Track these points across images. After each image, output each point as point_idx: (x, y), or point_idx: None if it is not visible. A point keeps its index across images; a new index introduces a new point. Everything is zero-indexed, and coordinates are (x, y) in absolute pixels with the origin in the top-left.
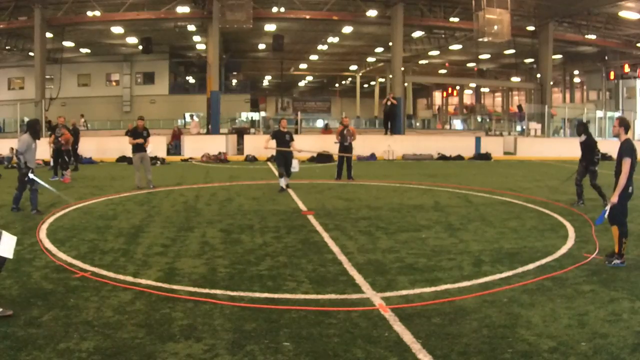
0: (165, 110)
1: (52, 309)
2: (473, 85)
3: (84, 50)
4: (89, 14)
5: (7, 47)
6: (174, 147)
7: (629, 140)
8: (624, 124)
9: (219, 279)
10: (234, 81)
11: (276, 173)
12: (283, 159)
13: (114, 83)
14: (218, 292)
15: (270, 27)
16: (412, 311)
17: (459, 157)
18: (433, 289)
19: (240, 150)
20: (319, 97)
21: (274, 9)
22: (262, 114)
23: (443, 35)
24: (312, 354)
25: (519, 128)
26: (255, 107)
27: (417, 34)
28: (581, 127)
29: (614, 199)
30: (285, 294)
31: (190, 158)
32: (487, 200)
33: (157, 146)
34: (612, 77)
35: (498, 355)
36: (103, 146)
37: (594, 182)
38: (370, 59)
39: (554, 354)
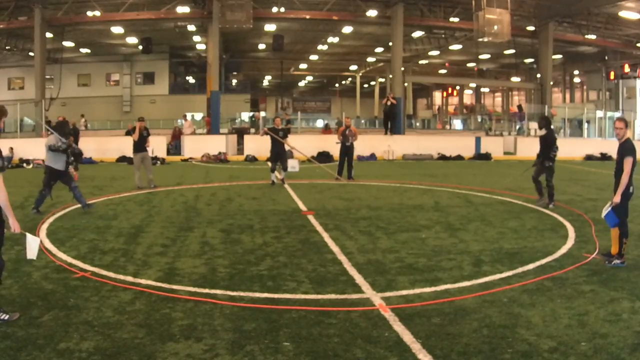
0: (165, 110)
1: (52, 309)
2: (473, 85)
3: (84, 50)
4: (89, 14)
5: (7, 47)
6: (174, 147)
7: (629, 139)
8: (627, 125)
9: (219, 279)
10: (234, 81)
11: (278, 174)
12: (275, 154)
13: (113, 83)
14: (218, 292)
15: (270, 27)
16: (412, 311)
17: (459, 157)
18: (433, 289)
19: (240, 150)
20: (319, 97)
21: (274, 9)
22: (262, 114)
23: (443, 35)
24: (312, 354)
25: (517, 128)
26: (255, 107)
27: (417, 34)
28: (543, 121)
29: (617, 198)
30: (285, 294)
31: (190, 158)
32: (487, 200)
33: (156, 146)
34: (612, 77)
35: (498, 355)
36: (103, 146)
37: (549, 179)
38: (370, 59)
39: (554, 354)
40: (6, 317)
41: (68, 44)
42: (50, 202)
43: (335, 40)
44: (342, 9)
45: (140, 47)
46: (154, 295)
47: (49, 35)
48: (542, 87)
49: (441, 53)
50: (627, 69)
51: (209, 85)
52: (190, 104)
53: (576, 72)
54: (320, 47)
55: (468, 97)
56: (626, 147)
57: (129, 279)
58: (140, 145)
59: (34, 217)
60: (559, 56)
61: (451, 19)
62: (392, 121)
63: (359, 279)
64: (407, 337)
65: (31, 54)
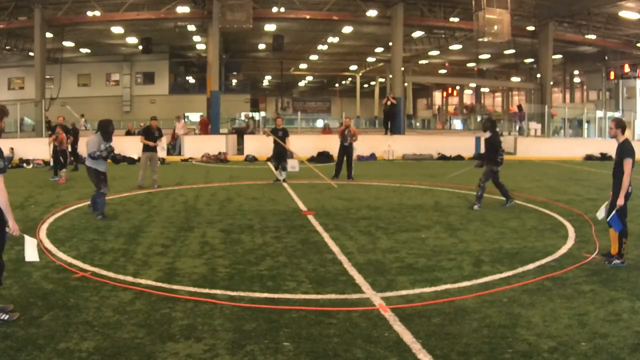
0: (165, 110)
1: (52, 309)
2: (473, 85)
3: (84, 50)
4: (89, 14)
5: (7, 47)
6: (174, 147)
7: (627, 140)
8: (621, 125)
9: (219, 279)
10: (234, 81)
11: (277, 173)
12: (276, 154)
13: (113, 83)
14: (218, 292)
15: (270, 27)
16: (412, 311)
17: (459, 157)
18: (433, 289)
19: (240, 150)
20: (319, 97)
21: (274, 9)
22: (262, 113)
23: (443, 35)
24: (312, 354)
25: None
26: (255, 107)
27: (417, 34)
28: (488, 123)
29: (620, 201)
30: (285, 294)
31: (190, 158)
32: (487, 200)
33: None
34: (612, 77)
35: (498, 355)
36: None
37: (483, 179)
38: (370, 59)
39: (554, 354)
40: (6, 317)
41: (68, 44)
42: (50, 202)
43: (335, 40)
44: (342, 9)
45: (140, 47)
46: (154, 295)
47: (49, 35)
48: (542, 87)
49: (441, 53)
50: (627, 69)
51: (209, 85)
52: (190, 104)
53: (576, 72)
54: (320, 47)
55: (468, 97)
56: (625, 149)
57: (129, 279)
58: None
59: (34, 217)
60: (559, 56)
61: (451, 19)
62: (392, 121)
63: (359, 279)
64: (407, 337)
65: (31, 54)
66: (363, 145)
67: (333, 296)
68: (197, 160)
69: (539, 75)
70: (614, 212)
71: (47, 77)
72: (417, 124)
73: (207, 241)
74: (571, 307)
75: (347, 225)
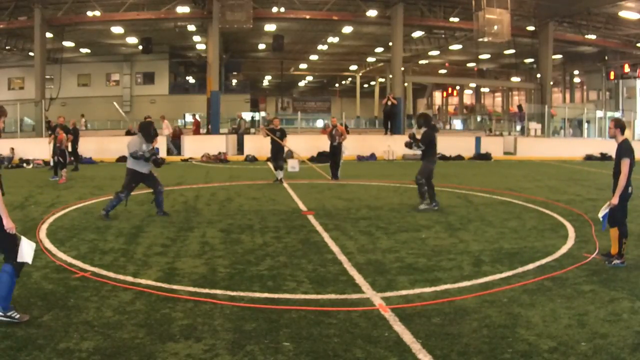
0: (165, 110)
1: (52, 309)
2: (473, 85)
3: (84, 50)
4: (89, 14)
5: (7, 47)
6: (174, 146)
7: (626, 140)
8: (620, 125)
9: (219, 279)
10: (234, 81)
11: (276, 173)
12: (274, 153)
13: (113, 83)
14: (218, 292)
15: (270, 27)
16: (412, 311)
17: (459, 157)
18: (433, 289)
19: (240, 150)
20: (319, 97)
21: (274, 9)
22: (262, 113)
23: (443, 35)
24: (312, 354)
25: (518, 128)
26: (255, 107)
27: (417, 34)
28: (421, 119)
29: (614, 200)
30: (285, 294)
31: (190, 158)
32: (487, 200)
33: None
34: (612, 77)
35: (498, 355)
36: (103, 146)
37: (426, 180)
38: (370, 59)
39: (554, 354)
40: (17, 316)
41: (68, 44)
42: (50, 202)
43: (335, 40)
44: (342, 9)
45: (140, 47)
46: (154, 295)
47: (49, 35)
48: (542, 87)
49: (441, 53)
50: (627, 69)
51: (209, 85)
52: (190, 104)
53: (576, 72)
54: (320, 47)
55: (468, 97)
56: (623, 149)
57: (129, 279)
58: None
59: (34, 217)
60: (559, 56)
61: (451, 19)
62: (392, 121)
63: (359, 279)
64: (407, 337)
65: (31, 54)
66: (363, 145)
67: (333, 296)
68: (197, 160)
69: (539, 75)
70: (607, 209)
71: (47, 77)
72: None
73: (207, 241)
74: (571, 307)
75: (347, 225)
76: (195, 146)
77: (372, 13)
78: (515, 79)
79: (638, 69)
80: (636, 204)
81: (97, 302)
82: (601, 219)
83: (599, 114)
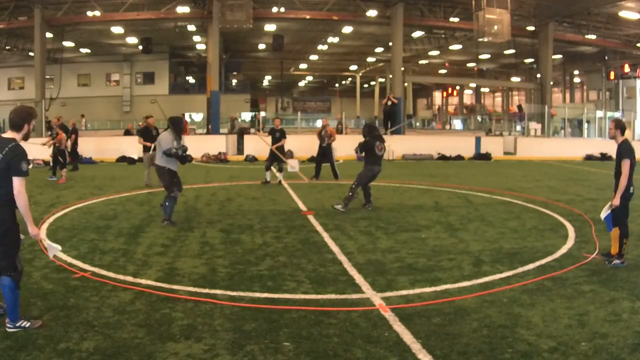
0: (165, 110)
1: (52, 309)
2: (473, 85)
3: (84, 50)
4: (89, 14)
5: (7, 47)
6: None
7: (626, 141)
8: (620, 126)
9: (219, 279)
10: (234, 81)
11: (277, 173)
12: (271, 154)
13: (113, 83)
14: (218, 292)
15: (270, 27)
16: (412, 311)
17: (459, 157)
18: (433, 289)
19: (240, 150)
20: (319, 97)
21: (274, 9)
22: (262, 114)
23: (443, 35)
24: (312, 354)
25: (518, 128)
26: (255, 107)
27: (417, 34)
28: (365, 129)
29: (616, 201)
30: (285, 294)
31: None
32: (487, 200)
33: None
34: (612, 77)
35: (498, 355)
36: (103, 146)
37: (363, 187)
38: (370, 59)
39: (554, 354)
40: (27, 325)
41: (68, 44)
42: (50, 202)
43: (335, 40)
44: (342, 9)
45: (140, 47)
46: (154, 295)
47: (49, 35)
48: (542, 87)
49: (441, 53)
50: (627, 69)
51: (209, 85)
52: (190, 104)
53: (576, 72)
54: (320, 47)
55: (468, 97)
56: (623, 149)
57: (129, 279)
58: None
59: (34, 217)
60: (559, 56)
61: (451, 19)
62: (392, 121)
63: (359, 279)
64: (407, 337)
65: (31, 54)
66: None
67: (333, 296)
68: (197, 160)
69: (539, 75)
70: (609, 211)
71: (47, 77)
72: (417, 124)
73: (207, 241)
74: (571, 307)
75: (347, 225)
76: (195, 146)
77: (372, 13)
78: (515, 79)
79: (638, 69)
80: (636, 204)
81: (97, 302)
82: (604, 221)
83: (599, 114)
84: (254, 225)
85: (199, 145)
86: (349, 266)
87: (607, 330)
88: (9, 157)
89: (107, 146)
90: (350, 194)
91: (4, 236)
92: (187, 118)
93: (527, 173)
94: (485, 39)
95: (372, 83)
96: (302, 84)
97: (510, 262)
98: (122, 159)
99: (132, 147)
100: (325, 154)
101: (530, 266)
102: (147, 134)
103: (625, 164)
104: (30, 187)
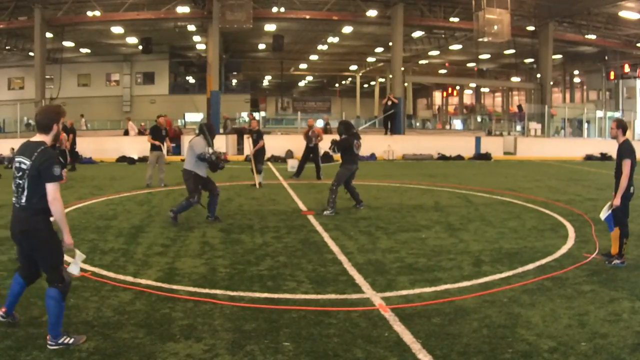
0: (165, 110)
1: None
2: (473, 85)
3: (84, 50)
4: (89, 14)
5: (7, 47)
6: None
7: (627, 141)
8: (622, 126)
9: (219, 279)
10: (234, 81)
11: (276, 173)
12: (254, 157)
13: (113, 83)
14: (218, 292)
15: (270, 27)
16: (412, 311)
17: (459, 157)
18: (433, 289)
19: (240, 151)
20: (319, 97)
21: (274, 9)
22: (262, 113)
23: (443, 35)
24: (312, 354)
25: (518, 128)
26: (255, 107)
27: (417, 34)
28: (341, 127)
29: (616, 201)
30: (285, 294)
31: None
32: (487, 200)
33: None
34: (612, 77)
35: (498, 355)
36: (103, 146)
37: (349, 184)
38: (370, 59)
39: (554, 354)
40: (71, 341)
41: (68, 44)
42: None
43: (335, 40)
44: (342, 9)
45: (140, 47)
46: (154, 295)
47: (49, 35)
48: (542, 87)
49: (441, 53)
50: (627, 69)
51: (209, 85)
52: (190, 104)
53: (576, 72)
54: (320, 47)
55: (468, 97)
56: (624, 149)
57: (129, 279)
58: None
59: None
60: (559, 56)
61: (451, 19)
62: (392, 121)
63: (359, 279)
64: (407, 337)
65: (31, 54)
66: (363, 145)
67: (333, 296)
68: None
69: (539, 75)
70: (609, 211)
71: (47, 77)
72: (417, 124)
73: (207, 241)
74: (571, 307)
75: (347, 225)
76: None
77: (372, 13)
78: (515, 79)
79: (638, 69)
80: (636, 204)
81: (97, 302)
82: (605, 221)
83: (599, 114)
84: (254, 225)
85: None
86: (349, 266)
87: (607, 330)
88: (39, 162)
89: (107, 146)
90: (333, 196)
91: (43, 247)
92: (189, 118)
93: (527, 173)
94: (485, 39)
95: (372, 83)
96: (302, 84)
97: (510, 262)
98: (122, 159)
99: (132, 147)
100: (312, 153)
101: (530, 266)
102: (157, 133)
103: (626, 164)
104: None
